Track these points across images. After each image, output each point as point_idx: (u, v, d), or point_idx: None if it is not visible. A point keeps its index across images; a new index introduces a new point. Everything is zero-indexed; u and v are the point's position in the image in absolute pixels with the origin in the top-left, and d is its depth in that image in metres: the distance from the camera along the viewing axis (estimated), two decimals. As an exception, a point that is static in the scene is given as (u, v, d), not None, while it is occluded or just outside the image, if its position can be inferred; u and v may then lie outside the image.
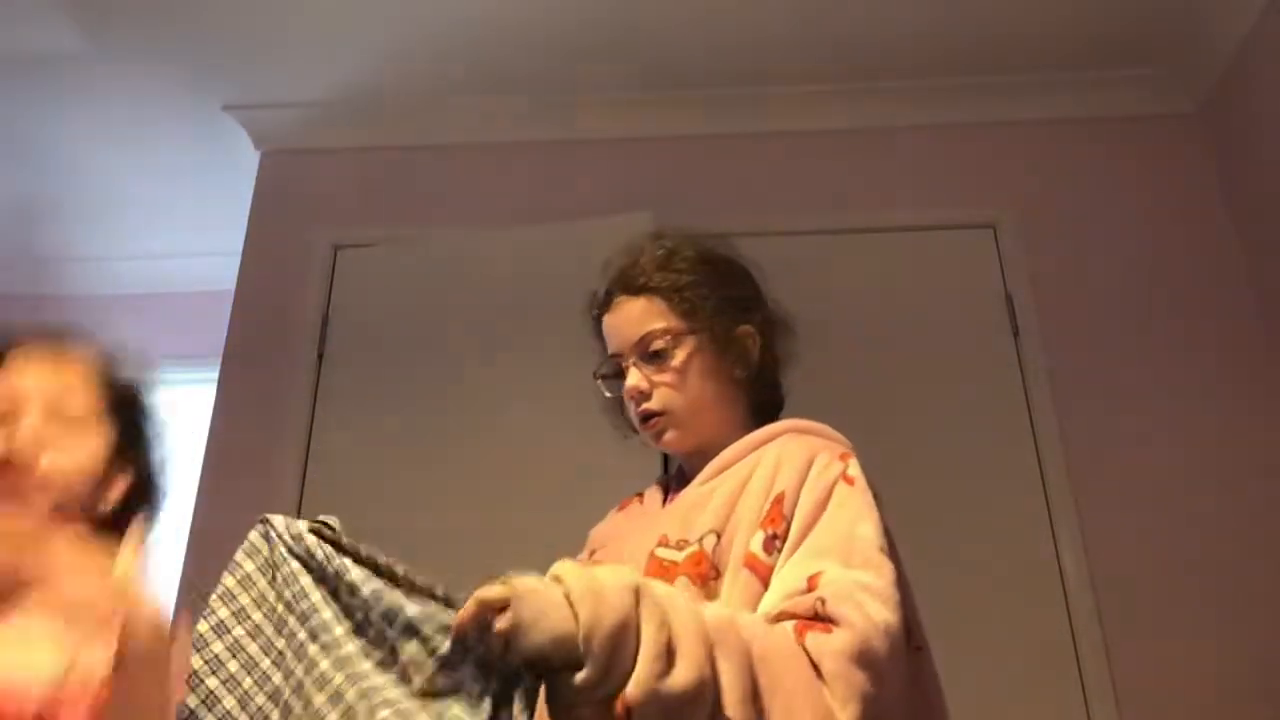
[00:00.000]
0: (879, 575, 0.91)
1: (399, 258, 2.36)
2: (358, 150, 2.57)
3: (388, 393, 2.20)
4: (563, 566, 0.81)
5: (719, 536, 0.99)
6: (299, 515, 2.26)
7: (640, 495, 1.21)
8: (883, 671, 0.84)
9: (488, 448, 2.08)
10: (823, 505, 0.97)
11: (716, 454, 1.09)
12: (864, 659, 0.83)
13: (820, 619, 0.86)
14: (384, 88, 2.48)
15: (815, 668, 0.82)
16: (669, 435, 1.12)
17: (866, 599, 0.88)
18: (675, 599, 0.82)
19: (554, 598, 0.77)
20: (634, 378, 1.12)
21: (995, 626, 1.90)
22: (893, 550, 0.99)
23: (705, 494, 1.06)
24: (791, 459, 1.02)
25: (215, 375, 2.38)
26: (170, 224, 2.96)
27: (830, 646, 0.83)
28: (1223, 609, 1.93)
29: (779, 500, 0.99)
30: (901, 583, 0.94)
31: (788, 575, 0.92)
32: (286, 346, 2.34)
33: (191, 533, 2.18)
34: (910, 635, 0.93)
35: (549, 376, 1.96)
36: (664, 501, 1.15)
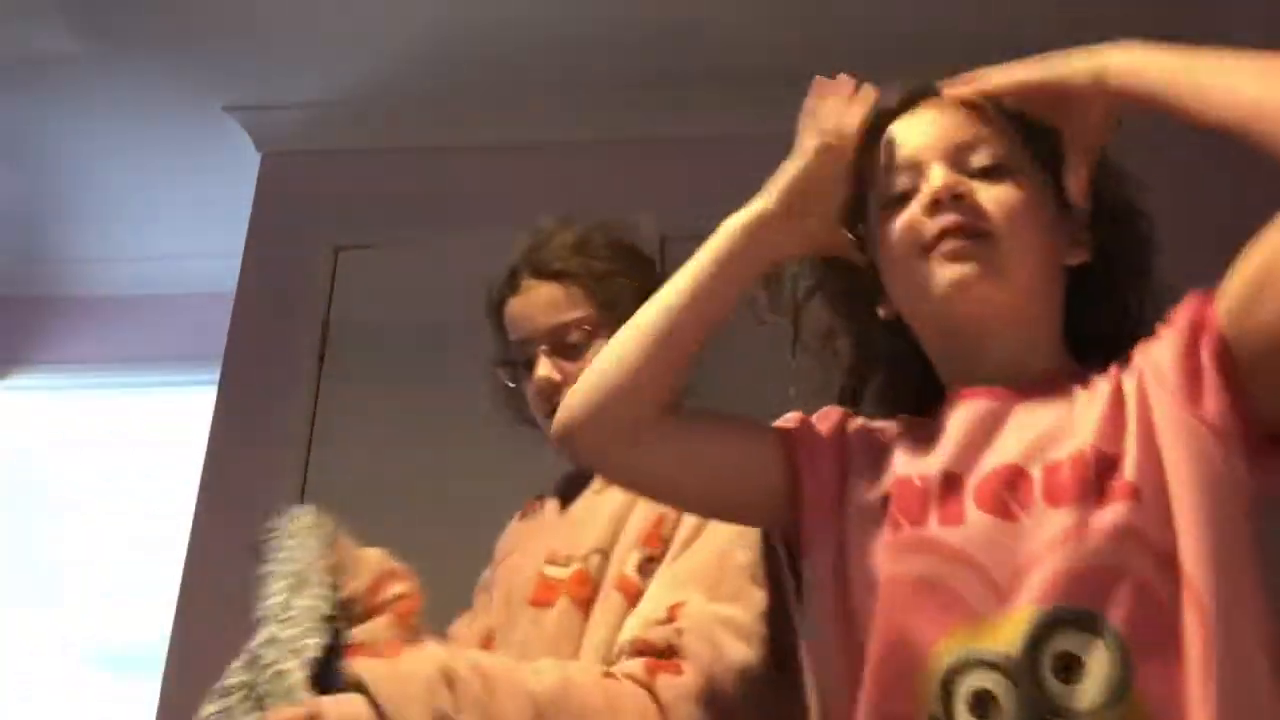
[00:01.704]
0: (745, 608, 0.86)
1: (400, 260, 2.36)
2: (359, 152, 2.56)
3: (389, 394, 2.20)
4: (364, 666, 0.76)
5: (604, 556, 0.94)
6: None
7: (542, 499, 1.12)
8: (733, 714, 0.82)
9: (490, 450, 2.07)
10: (702, 525, 0.91)
11: None
12: (711, 701, 0.80)
13: (673, 655, 0.82)
14: (385, 89, 2.48)
15: (664, 711, 0.79)
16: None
17: (725, 637, 0.84)
18: (499, 682, 0.77)
19: (357, 713, 0.73)
20: (545, 368, 1.03)
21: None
22: (792, 572, 0.90)
23: (594, 505, 1.00)
24: None
25: (216, 378, 2.38)
26: (171, 226, 2.95)
27: (679, 690, 0.80)
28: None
29: (660, 520, 0.93)
30: (779, 612, 0.88)
31: (650, 600, 0.88)
32: (287, 348, 2.33)
33: (191, 537, 2.18)
34: (786, 666, 0.88)
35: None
36: (561, 508, 1.07)
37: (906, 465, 0.74)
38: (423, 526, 1.99)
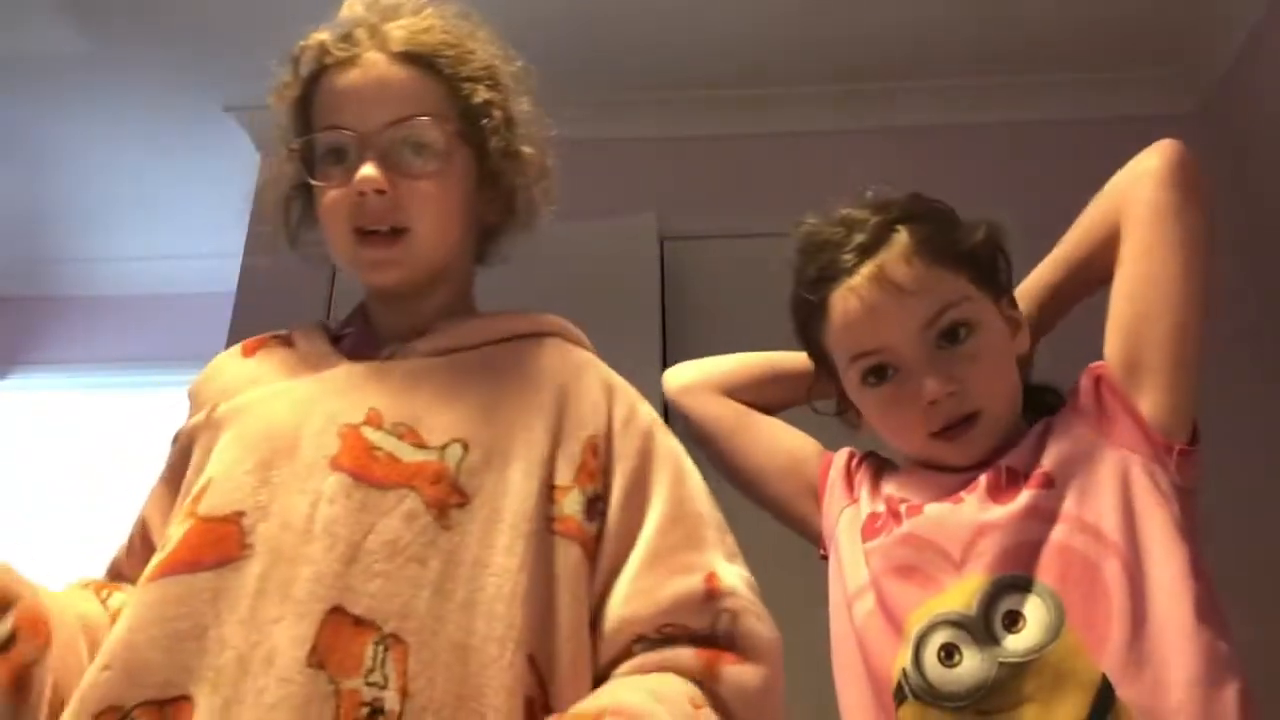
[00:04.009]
0: (746, 569, 0.77)
1: (400, 259, 2.35)
2: (358, 151, 2.56)
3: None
4: None
5: (467, 449, 0.74)
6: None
7: (281, 337, 0.90)
8: (781, 696, 0.73)
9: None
10: (648, 458, 0.79)
11: (436, 304, 0.86)
12: (780, 690, 0.72)
13: (725, 640, 0.70)
14: (384, 89, 2.48)
15: (727, 711, 0.68)
16: (400, 266, 0.82)
17: (761, 607, 0.74)
18: None
19: None
20: (372, 169, 0.79)
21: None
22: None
23: (443, 375, 0.80)
24: (586, 388, 0.81)
25: (216, 376, 2.38)
26: (170, 225, 2.96)
27: (755, 684, 0.70)
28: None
29: (591, 448, 0.77)
30: None
31: (663, 568, 0.72)
32: (287, 348, 2.33)
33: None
34: None
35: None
36: (339, 354, 0.84)
37: (899, 491, 0.92)
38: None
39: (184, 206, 2.88)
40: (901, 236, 0.90)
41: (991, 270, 0.93)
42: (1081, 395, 0.89)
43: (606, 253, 2.17)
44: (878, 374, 0.90)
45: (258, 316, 2.48)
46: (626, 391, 0.85)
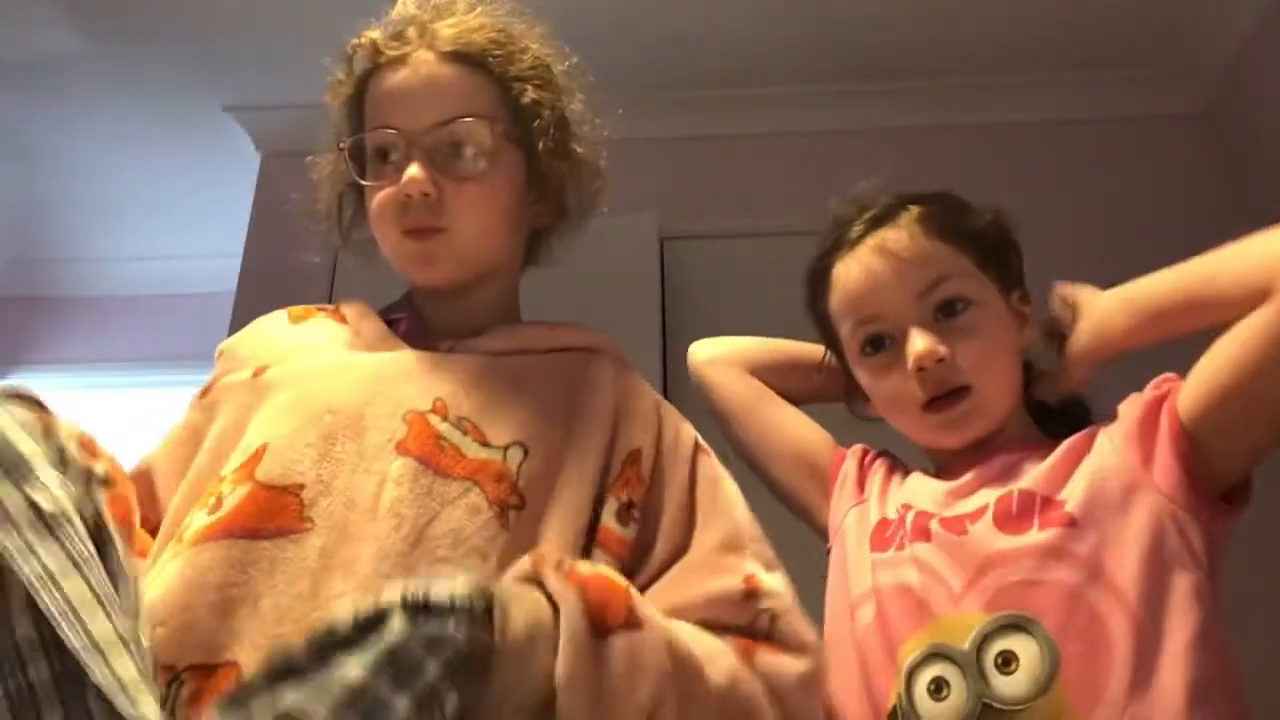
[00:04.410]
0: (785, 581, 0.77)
1: (400, 259, 2.35)
2: (358, 151, 2.56)
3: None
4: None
5: (527, 453, 0.75)
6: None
7: (328, 310, 0.93)
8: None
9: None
10: (693, 482, 0.80)
11: (482, 303, 0.87)
12: (820, 690, 0.72)
13: (764, 636, 0.70)
14: (384, 89, 2.48)
15: (774, 698, 0.67)
16: (444, 265, 0.83)
17: (802, 611, 0.74)
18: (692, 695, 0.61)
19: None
20: (418, 171, 0.79)
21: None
22: None
23: (505, 376, 0.80)
24: (641, 409, 0.83)
25: (216, 376, 2.38)
26: (170, 226, 2.96)
27: (796, 673, 0.69)
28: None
29: (633, 460, 0.79)
30: None
31: (700, 571, 0.73)
32: (287, 348, 2.33)
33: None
34: None
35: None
36: (397, 338, 0.85)
37: (906, 497, 0.90)
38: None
39: (184, 206, 2.88)
40: (910, 213, 0.92)
41: (1000, 258, 0.93)
42: (1142, 410, 0.83)
43: (606, 253, 2.17)
44: (874, 343, 0.91)
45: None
46: (672, 413, 0.86)
